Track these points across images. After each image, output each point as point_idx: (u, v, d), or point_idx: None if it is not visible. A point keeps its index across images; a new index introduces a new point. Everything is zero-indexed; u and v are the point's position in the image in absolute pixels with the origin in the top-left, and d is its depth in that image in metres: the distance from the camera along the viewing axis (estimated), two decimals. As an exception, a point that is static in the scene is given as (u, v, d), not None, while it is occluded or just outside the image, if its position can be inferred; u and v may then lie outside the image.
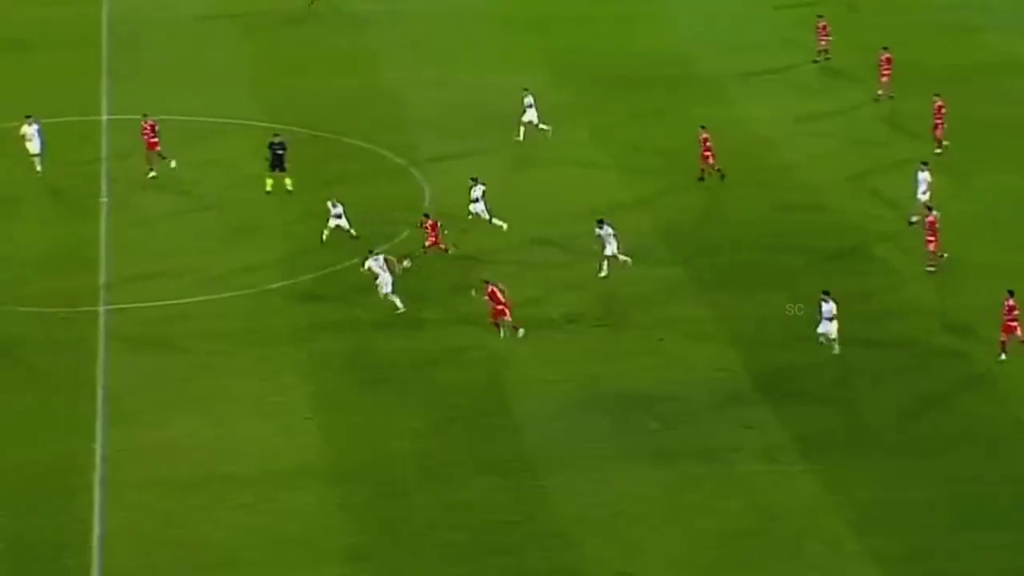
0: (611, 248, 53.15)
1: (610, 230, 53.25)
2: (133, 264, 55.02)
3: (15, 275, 54.09)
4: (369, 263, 51.31)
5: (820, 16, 73.80)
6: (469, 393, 46.90)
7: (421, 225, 54.99)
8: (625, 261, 53.31)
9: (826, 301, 48.22)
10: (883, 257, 55.25)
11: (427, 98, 69.86)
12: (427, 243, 54.63)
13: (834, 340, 48.24)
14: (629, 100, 69.49)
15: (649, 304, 52.22)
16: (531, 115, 64.55)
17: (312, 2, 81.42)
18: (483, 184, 56.61)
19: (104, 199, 60.12)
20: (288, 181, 60.03)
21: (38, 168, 60.62)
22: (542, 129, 64.63)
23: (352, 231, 55.18)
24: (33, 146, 60.48)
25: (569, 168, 62.74)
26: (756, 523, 41.06)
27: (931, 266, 53.73)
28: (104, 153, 63.56)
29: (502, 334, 49.28)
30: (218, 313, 51.92)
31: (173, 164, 61.19)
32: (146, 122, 61.53)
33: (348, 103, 68.30)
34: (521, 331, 49.36)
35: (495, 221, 56.45)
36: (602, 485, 42.68)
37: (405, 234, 56.91)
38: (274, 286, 53.68)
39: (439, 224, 54.74)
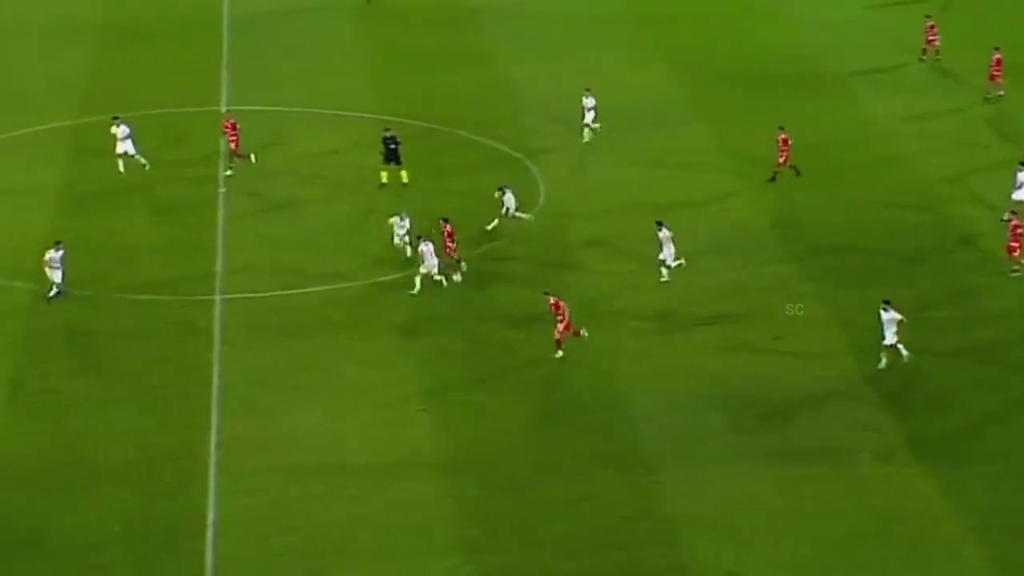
0: (668, 252, 51.90)
1: (667, 233, 52.11)
2: (249, 254, 54.94)
3: (134, 263, 54.18)
4: (421, 247, 51.23)
5: (928, 16, 72.59)
6: (583, 388, 46.29)
7: (440, 232, 53.33)
8: (679, 264, 52.12)
9: (886, 311, 46.60)
10: (993, 256, 53.96)
11: (543, 93, 69.37)
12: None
13: (900, 347, 46.49)
14: (746, 97, 68.65)
15: (765, 302, 51.32)
16: (590, 117, 63.80)
17: (370, 1, 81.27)
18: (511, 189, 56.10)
19: (222, 189, 60.16)
20: (403, 174, 59.72)
21: (121, 169, 60.07)
22: (594, 128, 63.83)
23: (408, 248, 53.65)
24: (124, 145, 60.01)
25: (684, 163, 61.97)
26: (872, 526, 40.10)
27: (1015, 271, 52.33)
28: (222, 144, 63.55)
29: (560, 353, 47.73)
30: (333, 304, 51.68)
31: (253, 159, 60.97)
32: (227, 120, 61.42)
33: (464, 96, 68.02)
34: (584, 332, 48.02)
35: (519, 214, 55.92)
36: (716, 483, 41.95)
37: (523, 224, 56.51)
38: (389, 278, 53.36)
39: (455, 233, 53.10)
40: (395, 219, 54.15)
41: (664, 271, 52.06)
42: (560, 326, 47.61)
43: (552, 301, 47.68)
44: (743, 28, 77.58)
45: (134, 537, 39.63)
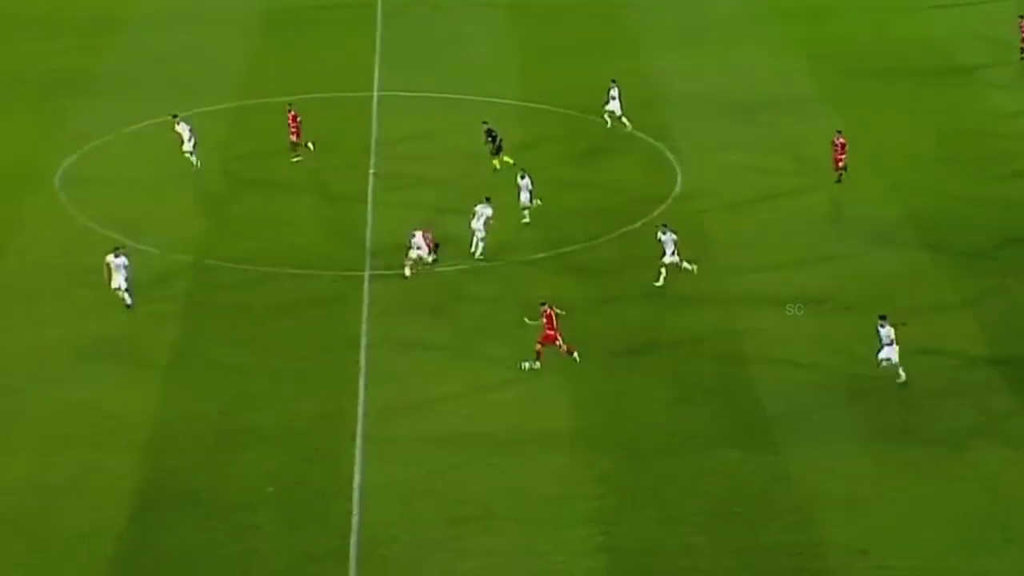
0: (670, 254, 50.73)
1: (672, 235, 50.99)
2: (396, 233, 55.39)
3: (291, 240, 54.75)
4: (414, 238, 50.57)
5: (1022, 16, 71.41)
6: (715, 367, 46.17)
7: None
8: (690, 269, 50.86)
9: (883, 326, 45.12)
10: None
11: (684, 83, 69.20)
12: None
13: (897, 365, 44.94)
14: (882, 88, 67.90)
15: (894, 289, 50.82)
16: (614, 106, 63.49)
17: None
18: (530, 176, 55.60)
19: (373, 171, 60.79)
20: (495, 163, 59.46)
21: (196, 164, 60.00)
22: (619, 117, 63.47)
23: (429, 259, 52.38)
24: (187, 144, 60.07)
25: (819, 153, 61.41)
26: (995, 510, 39.60)
27: None
28: (374, 128, 64.25)
29: (536, 364, 45.91)
30: (479, 282, 51.99)
31: (311, 145, 61.29)
32: (290, 113, 61.59)
33: (607, 85, 68.00)
34: (576, 355, 46.04)
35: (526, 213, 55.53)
36: (842, 463, 41.65)
37: (657, 211, 56.45)
38: (534, 257, 53.61)
39: (434, 239, 52.45)
40: (479, 207, 54.05)
41: (662, 273, 50.61)
42: (548, 336, 45.72)
43: (546, 311, 46.13)
44: (882, 20, 76.71)
45: (285, 498, 40.17)
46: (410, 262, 51.59)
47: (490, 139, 60.11)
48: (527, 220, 55.31)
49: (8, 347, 47.03)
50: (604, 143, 63.65)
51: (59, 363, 46.26)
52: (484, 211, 53.35)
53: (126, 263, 48.83)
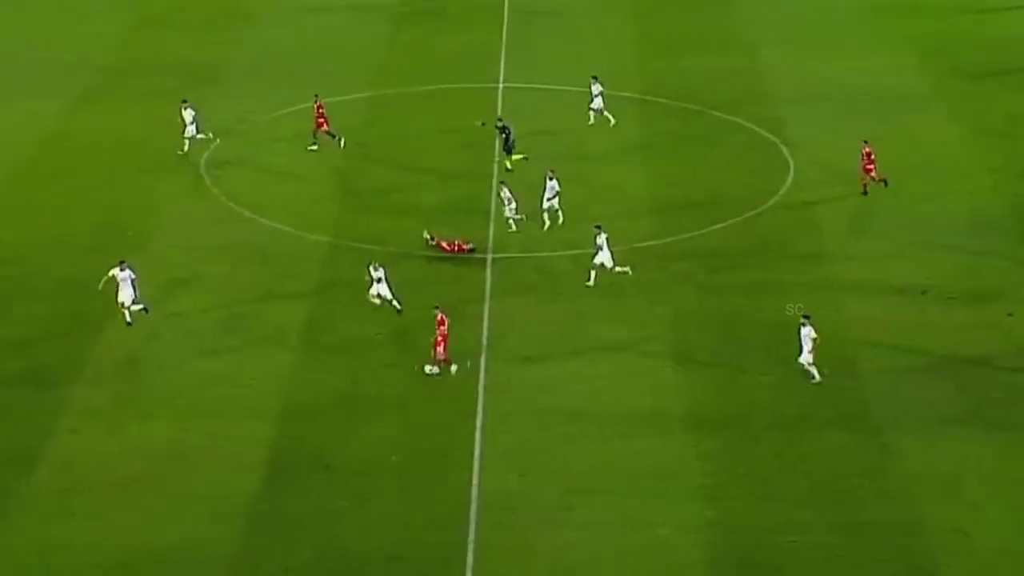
0: (603, 257, 49.49)
1: (604, 236, 49.61)
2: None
3: (416, 223, 54.96)
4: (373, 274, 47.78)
5: None
6: (821, 352, 45.84)
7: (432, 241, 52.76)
8: (623, 271, 49.75)
9: (804, 325, 44.16)
10: None
11: (798, 77, 68.70)
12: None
13: (812, 366, 44.17)
14: (984, 85, 66.92)
15: (1000, 281, 50.13)
16: (598, 103, 62.94)
17: None
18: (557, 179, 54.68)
19: (497, 159, 61.06)
20: (507, 162, 58.98)
21: (186, 150, 60.07)
22: (594, 115, 62.89)
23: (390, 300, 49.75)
24: (191, 129, 60.27)
25: (925, 147, 60.77)
26: (1093, 495, 39.08)
27: None
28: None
29: (434, 369, 44.70)
30: (589, 266, 52.13)
31: (342, 142, 61.12)
32: (317, 103, 61.50)
33: (720, 79, 67.79)
34: (455, 367, 44.71)
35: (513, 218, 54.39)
36: (943, 447, 41.21)
37: (771, 201, 56.14)
38: (648, 244, 53.62)
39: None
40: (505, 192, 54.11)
41: (592, 275, 49.76)
42: (438, 344, 44.56)
43: (438, 317, 44.85)
44: (984, 18, 75.53)
45: (407, 467, 40.57)
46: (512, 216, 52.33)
47: (503, 136, 59.33)
48: (547, 225, 54.26)
49: (152, 322, 47.92)
50: (719, 136, 63.41)
51: (198, 336, 47.02)
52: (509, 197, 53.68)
53: (132, 276, 46.75)
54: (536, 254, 52.89)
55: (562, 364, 45.72)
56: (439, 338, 44.82)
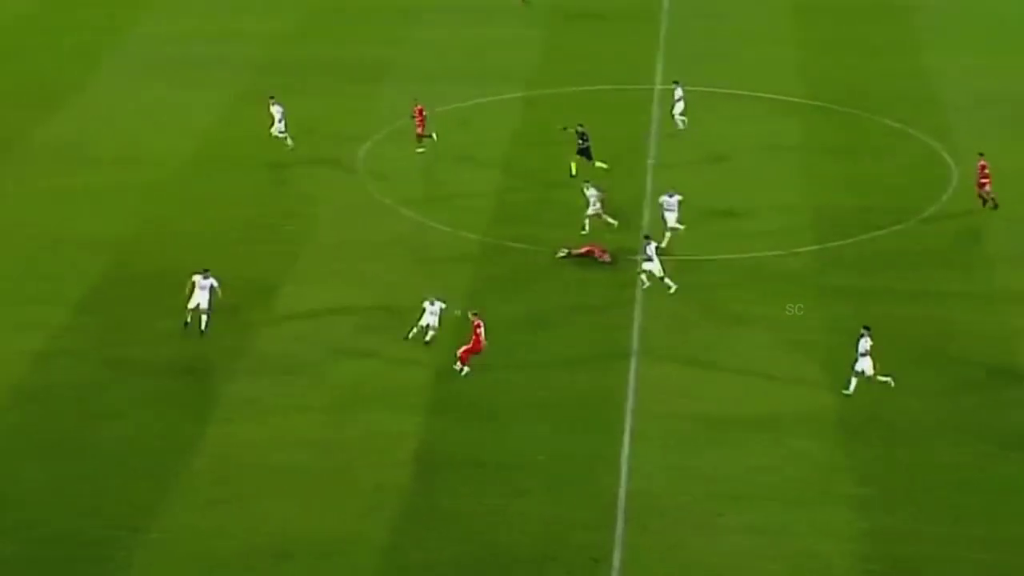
0: (652, 266, 49.73)
1: (654, 245, 50.08)
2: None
3: (566, 224, 54.98)
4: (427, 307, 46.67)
5: None
6: (984, 362, 45.21)
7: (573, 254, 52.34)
8: (669, 286, 49.75)
9: (864, 336, 43.52)
10: None
11: (966, 83, 67.87)
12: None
13: (871, 376, 43.50)
14: None
15: None
16: (680, 107, 62.38)
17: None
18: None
19: (651, 161, 61.21)
20: (572, 166, 58.47)
21: (289, 143, 60.82)
22: (681, 120, 62.44)
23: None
24: (280, 125, 60.77)
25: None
26: None
27: None
28: (654, 120, 64.68)
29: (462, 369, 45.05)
30: (746, 270, 52.00)
31: (435, 138, 61.34)
32: (415, 107, 61.63)
33: (886, 85, 67.19)
34: (466, 370, 44.86)
35: (609, 219, 54.15)
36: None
37: (933, 209, 55.56)
38: (807, 249, 53.36)
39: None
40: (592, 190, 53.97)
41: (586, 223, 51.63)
42: (469, 348, 44.80)
43: (475, 322, 44.94)
44: None
45: (555, 467, 40.86)
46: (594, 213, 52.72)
47: (580, 141, 58.88)
48: (586, 231, 54.01)
49: (308, 318, 48.88)
50: (882, 141, 62.92)
51: (353, 333, 47.80)
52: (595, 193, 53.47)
53: (214, 284, 47.00)
54: (688, 257, 52.93)
55: (713, 368, 45.76)
56: (472, 342, 44.72)
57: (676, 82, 63.71)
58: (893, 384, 43.61)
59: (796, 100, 67.17)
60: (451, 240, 54.40)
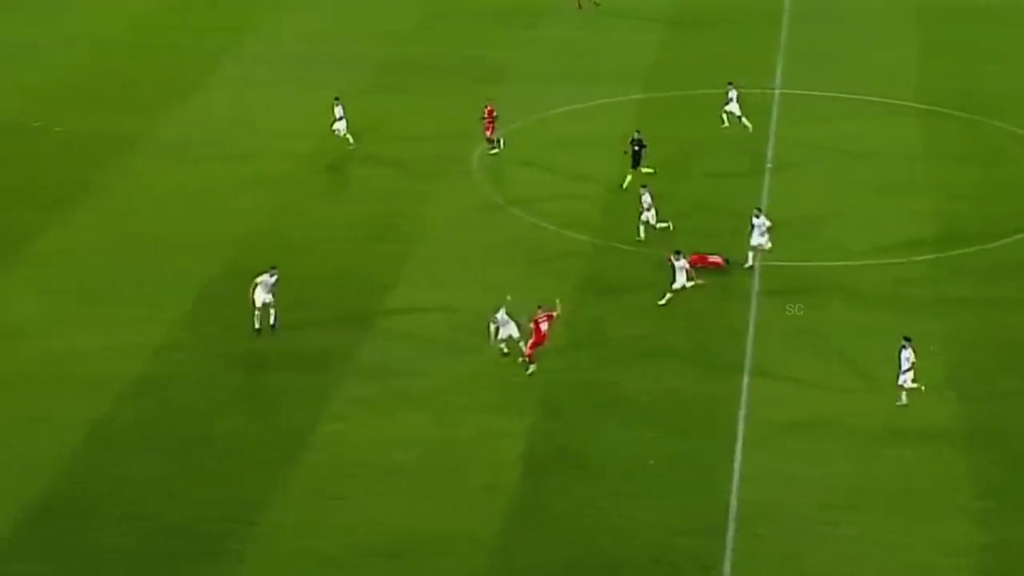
0: (649, 215, 52.30)
1: (649, 199, 52.48)
2: (788, 225, 55.33)
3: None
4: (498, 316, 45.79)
5: None
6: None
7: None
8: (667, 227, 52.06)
9: (905, 348, 42.74)
10: None
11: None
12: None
13: (906, 390, 42.94)
14: None
15: None
16: (733, 107, 62.18)
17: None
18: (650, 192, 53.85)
19: (768, 165, 60.84)
20: (628, 177, 57.75)
21: (350, 142, 61.17)
22: (730, 118, 62.00)
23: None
24: (340, 125, 61.03)
25: None
26: None
27: None
28: (773, 123, 64.25)
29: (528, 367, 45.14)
30: (863, 278, 51.46)
31: (503, 143, 60.91)
32: (487, 108, 61.25)
33: (1010, 89, 66.18)
34: (532, 367, 44.98)
35: (659, 224, 53.61)
36: None
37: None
38: (927, 257, 52.76)
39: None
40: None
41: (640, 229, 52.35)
42: (535, 338, 44.90)
43: (539, 317, 44.81)
44: None
45: (665, 471, 40.75)
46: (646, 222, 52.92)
47: (637, 148, 58.12)
48: (641, 237, 53.61)
49: (420, 317, 49.20)
50: (1004, 147, 62.00)
51: (464, 332, 47.84)
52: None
53: (271, 282, 47.00)
54: (804, 264, 52.54)
55: (827, 376, 45.33)
56: (535, 336, 44.78)
57: (730, 83, 63.44)
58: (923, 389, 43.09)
59: (917, 105, 66.41)
60: (562, 241, 54.46)
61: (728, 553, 37.42)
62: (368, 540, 37.96)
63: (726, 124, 62.98)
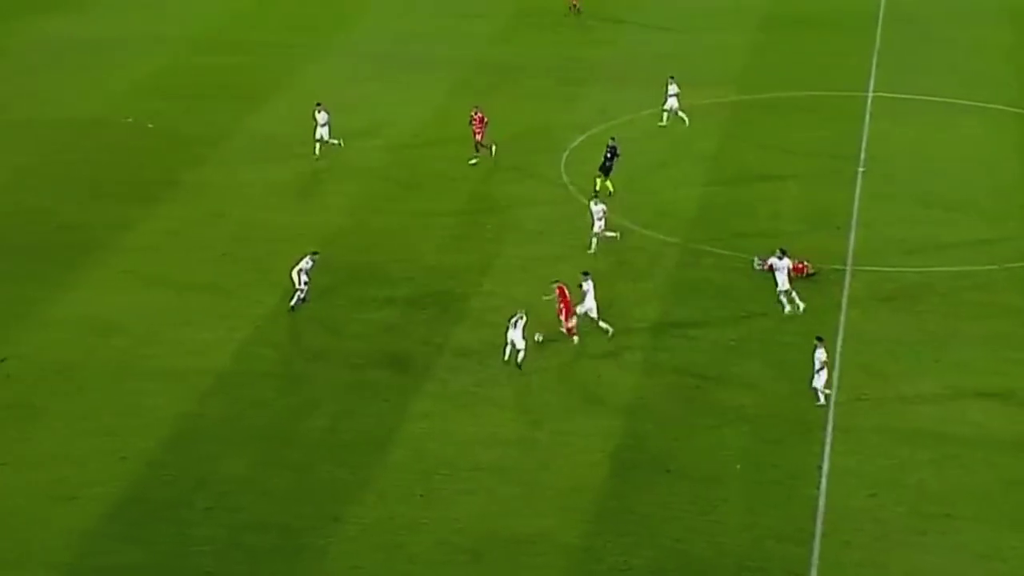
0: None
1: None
2: (880, 229, 54.83)
3: (775, 229, 54.75)
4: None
5: None
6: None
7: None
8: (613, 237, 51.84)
9: (817, 348, 42.37)
10: None
11: None
12: None
13: (819, 390, 42.89)
14: None
15: None
16: (672, 102, 62.66)
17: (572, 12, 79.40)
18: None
19: (861, 169, 60.22)
20: (608, 184, 56.65)
21: (339, 143, 60.45)
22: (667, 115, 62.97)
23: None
24: (321, 131, 60.22)
25: None
26: None
27: None
28: (865, 127, 63.59)
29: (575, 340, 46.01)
30: (957, 285, 50.76)
31: (494, 150, 59.94)
32: (475, 114, 60.14)
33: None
34: (576, 337, 45.67)
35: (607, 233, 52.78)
36: None
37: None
38: (1015, 265, 51.98)
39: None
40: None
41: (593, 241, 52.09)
42: (559, 310, 45.93)
43: (559, 287, 46.03)
44: None
45: (752, 476, 40.41)
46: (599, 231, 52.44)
47: (610, 155, 56.94)
48: (592, 250, 52.75)
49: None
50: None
51: (553, 333, 47.41)
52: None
53: (308, 266, 48.12)
54: (897, 268, 51.92)
55: (919, 383, 44.77)
56: (562, 308, 45.52)
57: (672, 77, 63.86)
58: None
59: (1011, 109, 65.45)
60: (651, 243, 54.19)
61: (815, 560, 37.01)
62: (450, 539, 37.91)
63: (664, 123, 63.48)
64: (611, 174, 56.94)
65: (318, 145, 60.82)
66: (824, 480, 40.14)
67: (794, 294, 48.41)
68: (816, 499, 39.33)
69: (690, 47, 75.38)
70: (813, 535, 37.90)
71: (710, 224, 55.40)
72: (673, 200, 57.91)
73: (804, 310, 48.04)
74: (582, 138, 63.08)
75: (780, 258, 48.61)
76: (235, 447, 41.69)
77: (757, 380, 45.16)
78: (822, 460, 41.03)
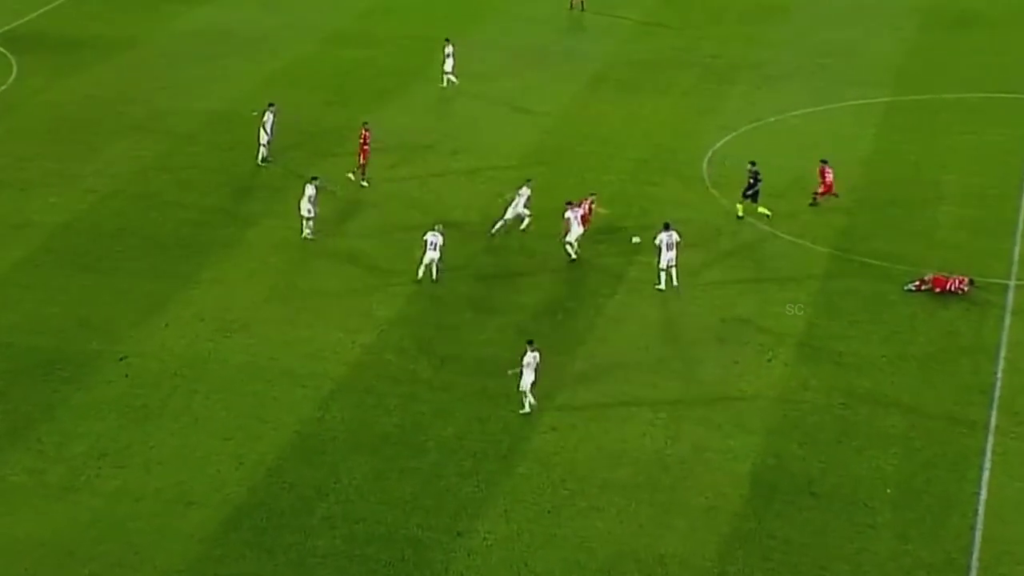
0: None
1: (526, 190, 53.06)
2: (1047, 240, 53.49)
3: (935, 240, 53.57)
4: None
5: None
6: None
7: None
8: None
9: (528, 351, 42.75)
10: None
11: None
12: None
13: (524, 393, 42.71)
14: None
15: None
16: (449, 63, 66.38)
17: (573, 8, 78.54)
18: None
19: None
20: (762, 209, 54.96)
21: (264, 153, 59.44)
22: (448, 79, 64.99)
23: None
24: (263, 133, 59.12)
25: None
26: None
27: None
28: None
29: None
30: None
31: (364, 179, 57.74)
32: (363, 131, 57.74)
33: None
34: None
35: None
36: None
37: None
38: None
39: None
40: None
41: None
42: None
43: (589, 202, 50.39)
44: None
45: (904, 502, 39.40)
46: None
47: (752, 181, 54.99)
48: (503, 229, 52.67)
49: (642, 325, 48.38)
50: None
51: (689, 344, 47.10)
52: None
53: (437, 240, 49.93)
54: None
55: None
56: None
57: (447, 39, 66.87)
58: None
59: None
60: (799, 252, 53.16)
61: (970, 595, 35.97)
62: (578, 557, 37.33)
63: (444, 84, 66.41)
64: (759, 199, 55.67)
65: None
66: (981, 509, 39.10)
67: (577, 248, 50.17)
68: (972, 530, 38.30)
69: (845, 46, 73.96)
70: (968, 569, 36.86)
71: (860, 233, 54.18)
72: (823, 207, 56.67)
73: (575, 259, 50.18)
74: (728, 138, 62.11)
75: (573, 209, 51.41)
76: (356, 454, 41.49)
77: (909, 400, 44.07)
78: (979, 487, 39.95)
